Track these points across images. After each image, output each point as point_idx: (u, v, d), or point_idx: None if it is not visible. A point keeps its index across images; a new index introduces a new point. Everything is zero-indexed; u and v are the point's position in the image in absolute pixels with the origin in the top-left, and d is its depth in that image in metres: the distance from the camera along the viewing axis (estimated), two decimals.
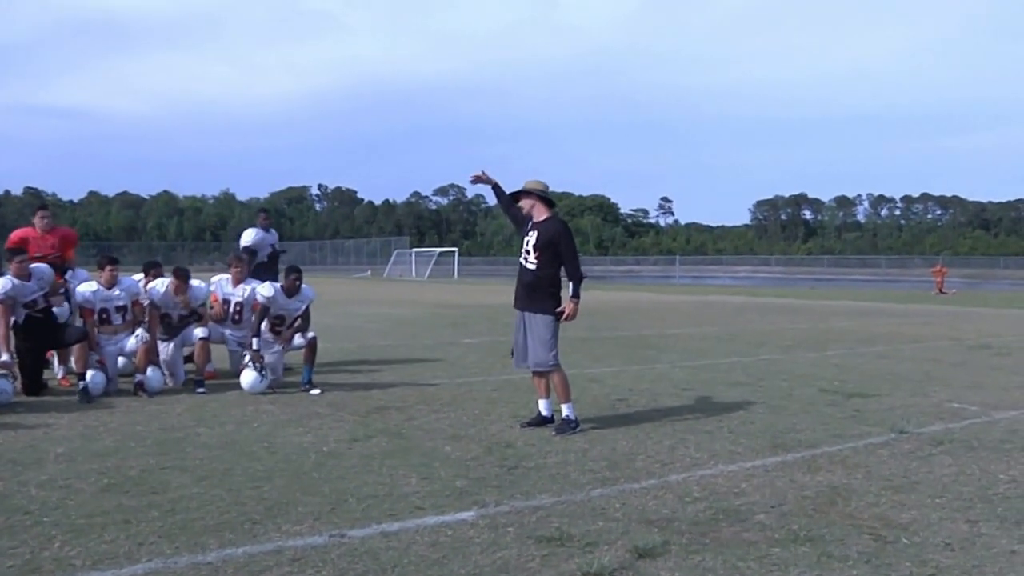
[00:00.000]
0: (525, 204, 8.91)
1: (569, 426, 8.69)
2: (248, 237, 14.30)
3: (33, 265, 10.83)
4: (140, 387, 10.78)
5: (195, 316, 11.69)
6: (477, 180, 9.22)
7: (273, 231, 14.75)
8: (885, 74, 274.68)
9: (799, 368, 14.00)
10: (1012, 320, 27.39)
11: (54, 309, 10.93)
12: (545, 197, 8.91)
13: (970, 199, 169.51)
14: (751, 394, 11.27)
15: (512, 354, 9.07)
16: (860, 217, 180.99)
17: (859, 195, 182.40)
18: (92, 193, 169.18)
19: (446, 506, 6.11)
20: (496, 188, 9.28)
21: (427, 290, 48.51)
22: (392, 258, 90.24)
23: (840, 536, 5.57)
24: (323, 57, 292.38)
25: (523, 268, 8.91)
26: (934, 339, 19.96)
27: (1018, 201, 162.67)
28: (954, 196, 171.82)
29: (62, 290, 11.24)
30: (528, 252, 8.81)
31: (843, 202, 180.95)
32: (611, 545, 5.31)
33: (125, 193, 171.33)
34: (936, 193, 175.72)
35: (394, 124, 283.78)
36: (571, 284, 8.81)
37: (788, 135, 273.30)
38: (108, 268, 11.10)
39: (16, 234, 11.88)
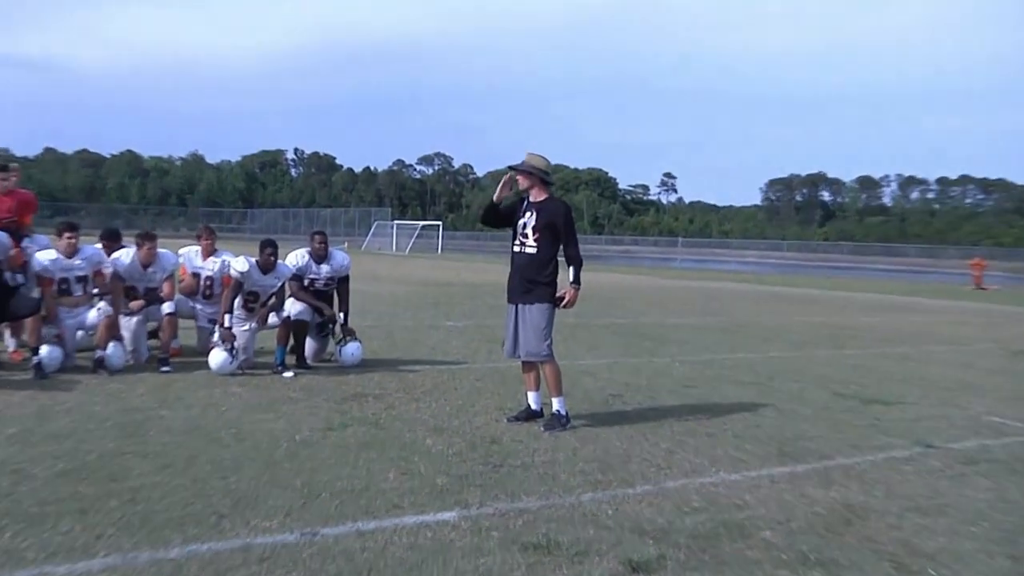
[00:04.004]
0: (524, 181, 8.89)
1: (559, 422, 8.73)
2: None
3: None
4: (100, 364, 10.77)
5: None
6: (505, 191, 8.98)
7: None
8: (918, 42, 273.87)
9: (812, 368, 14.00)
10: None
11: (6, 276, 10.86)
12: (543, 178, 8.88)
13: (1018, 183, 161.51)
14: (758, 395, 11.31)
15: (503, 343, 9.11)
16: (886, 200, 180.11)
17: (886, 176, 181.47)
18: (48, 150, 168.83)
19: (426, 505, 6.15)
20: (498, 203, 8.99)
21: (408, 265, 48.40)
22: (371, 230, 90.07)
23: (856, 561, 5.53)
24: (304, 11, 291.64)
25: (518, 254, 8.88)
26: (970, 341, 19.61)
27: None
28: (999, 179, 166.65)
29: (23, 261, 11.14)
30: (525, 235, 8.79)
31: (867, 183, 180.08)
32: (602, 556, 5.35)
33: (84, 151, 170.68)
34: (978, 175, 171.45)
35: (378, 86, 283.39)
36: (571, 268, 8.83)
37: (806, 108, 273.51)
38: (67, 235, 11.03)
39: None
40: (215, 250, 12.46)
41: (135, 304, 11.51)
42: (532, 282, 8.72)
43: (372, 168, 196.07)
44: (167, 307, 11.45)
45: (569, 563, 5.20)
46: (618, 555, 5.35)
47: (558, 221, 8.73)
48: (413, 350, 13.84)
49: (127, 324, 11.53)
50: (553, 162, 9.51)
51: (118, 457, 7.02)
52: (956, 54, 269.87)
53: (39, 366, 10.33)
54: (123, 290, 11.56)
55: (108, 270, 11.48)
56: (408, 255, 71.75)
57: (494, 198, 8.83)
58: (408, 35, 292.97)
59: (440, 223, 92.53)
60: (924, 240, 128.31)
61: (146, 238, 11.63)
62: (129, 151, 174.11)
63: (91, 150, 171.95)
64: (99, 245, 11.92)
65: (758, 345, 16.85)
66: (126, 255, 11.57)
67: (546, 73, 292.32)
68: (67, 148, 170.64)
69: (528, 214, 8.81)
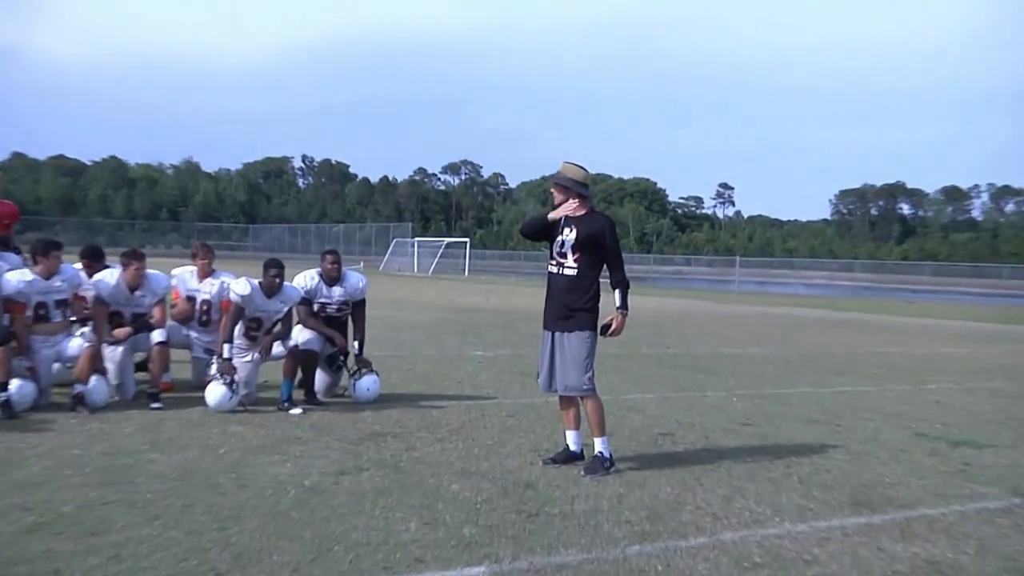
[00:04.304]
0: (559, 195, 8.88)
1: (602, 465, 8.72)
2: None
3: None
4: (80, 401, 10.69)
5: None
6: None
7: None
8: (1013, 33, 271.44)
9: (889, 404, 13.92)
10: None
11: None
12: (581, 191, 8.84)
13: None
14: (827, 435, 11.26)
15: (537, 375, 9.11)
16: (975, 213, 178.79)
17: (975, 186, 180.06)
18: (17, 155, 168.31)
19: (451, 559, 6.14)
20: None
21: (431, 288, 48.48)
22: (390, 248, 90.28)
23: None
24: (314, 3, 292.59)
25: (556, 276, 8.88)
26: None
27: None
28: None
29: None
30: (564, 255, 8.78)
31: (953, 194, 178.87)
32: None
33: (61, 157, 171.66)
34: None
35: (397, 85, 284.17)
36: (616, 291, 8.82)
37: (882, 110, 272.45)
38: (52, 255, 10.94)
39: None
40: (212, 271, 12.51)
41: (120, 332, 11.43)
42: (572, 307, 8.70)
43: (391, 178, 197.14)
44: (157, 335, 11.38)
45: None
46: None
47: (601, 238, 8.72)
48: (437, 384, 13.86)
49: (111, 355, 11.46)
50: (594, 171, 9.52)
51: (100, 507, 7.00)
52: None
53: (7, 404, 10.22)
54: (107, 316, 11.49)
55: (89, 293, 11.46)
56: (431, 276, 71.87)
57: (549, 216, 8.87)
58: (432, 29, 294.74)
59: (467, 240, 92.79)
60: (1020, 259, 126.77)
61: (133, 257, 11.52)
62: (113, 157, 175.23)
63: (68, 156, 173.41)
64: (78, 265, 11.87)
65: (827, 378, 16.80)
66: (110, 276, 11.47)
67: (587, 72, 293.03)
68: (40, 153, 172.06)
69: (567, 230, 8.79)
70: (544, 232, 8.96)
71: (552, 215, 8.82)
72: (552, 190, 8.92)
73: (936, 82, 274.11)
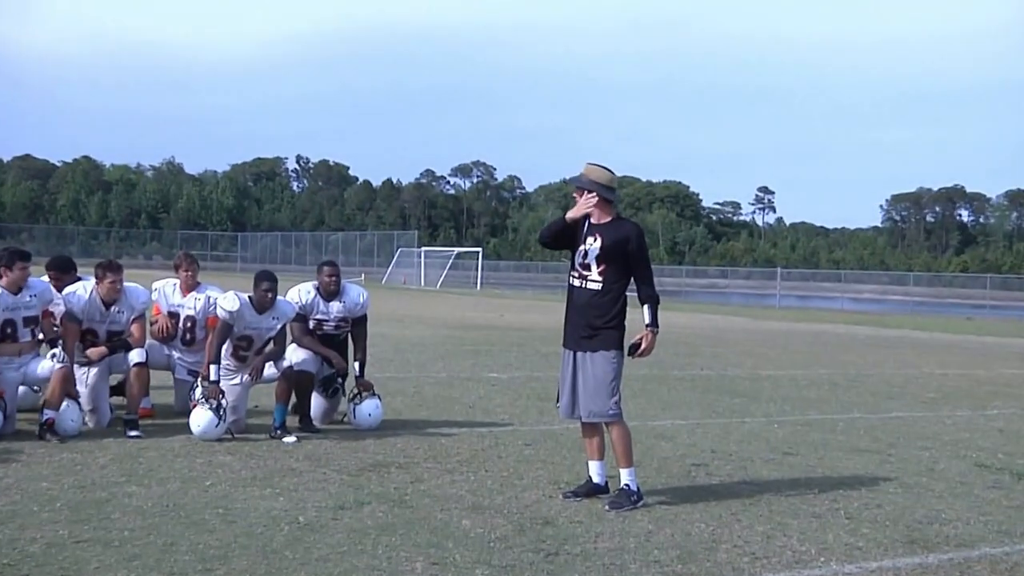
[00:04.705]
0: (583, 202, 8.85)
1: (629, 499, 8.70)
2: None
3: None
4: (49, 428, 10.62)
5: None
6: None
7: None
8: None
9: (947, 432, 13.89)
10: None
11: None
12: (606, 196, 8.83)
13: None
14: (878, 466, 11.25)
15: (558, 399, 9.11)
16: None
17: None
18: None
19: None
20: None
21: (440, 304, 48.54)
22: (394, 258, 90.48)
23: None
24: None
25: (578, 290, 8.88)
26: None
27: None
28: None
29: None
30: (587, 266, 8.77)
31: (1019, 199, 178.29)
32: None
33: (27, 157, 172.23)
34: None
35: (402, 80, 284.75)
36: (645, 307, 8.82)
37: (939, 106, 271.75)
38: (19, 266, 10.94)
39: None
40: (197, 284, 12.53)
41: (95, 352, 11.40)
42: (596, 325, 8.70)
43: (395, 181, 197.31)
44: (136, 356, 11.34)
45: None
46: None
47: (628, 248, 8.71)
48: (446, 409, 13.90)
49: (84, 378, 11.41)
50: (621, 174, 9.48)
51: (71, 547, 6.96)
52: None
53: None
54: (79, 335, 11.44)
55: (59, 309, 11.41)
56: (440, 290, 72.01)
57: (568, 216, 8.84)
58: (441, 16, 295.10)
59: (480, 250, 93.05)
60: None
61: (108, 269, 11.46)
62: (86, 158, 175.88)
63: (36, 156, 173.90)
64: (46, 278, 11.79)
65: (878, 403, 16.79)
66: (83, 290, 11.40)
67: (612, 63, 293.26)
68: (3, 153, 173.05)
69: (590, 239, 8.77)
70: (565, 239, 8.94)
71: (571, 214, 8.79)
72: (574, 195, 8.91)
73: (999, 77, 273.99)
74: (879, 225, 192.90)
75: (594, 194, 8.73)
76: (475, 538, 7.55)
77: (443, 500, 8.69)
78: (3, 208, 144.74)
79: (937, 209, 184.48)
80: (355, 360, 12.18)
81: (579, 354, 8.79)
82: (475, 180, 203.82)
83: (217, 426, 10.90)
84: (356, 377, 12.07)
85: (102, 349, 11.37)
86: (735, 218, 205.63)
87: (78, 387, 11.26)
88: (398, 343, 23.85)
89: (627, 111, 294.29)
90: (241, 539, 7.27)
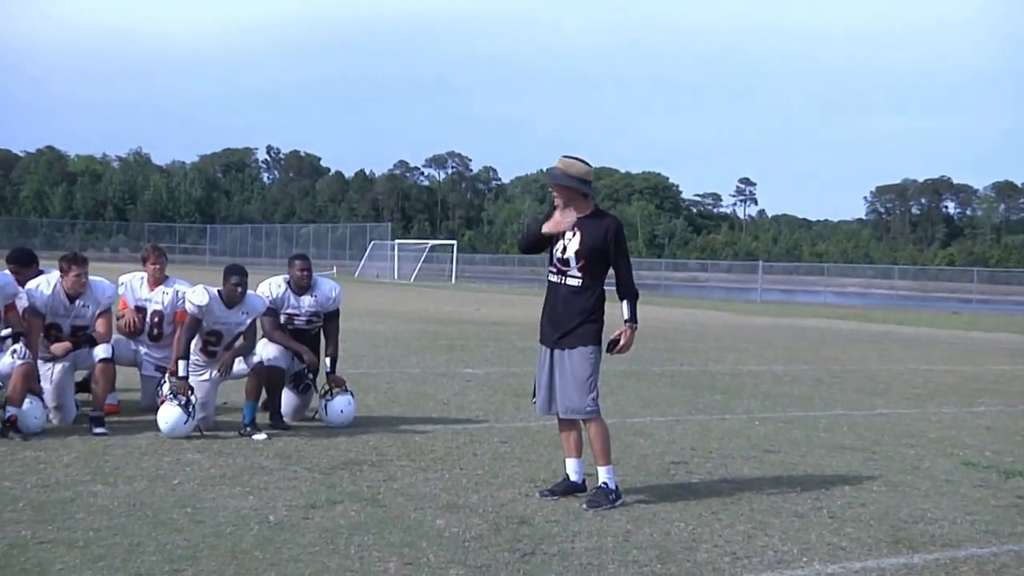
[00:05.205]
0: (559, 195, 8.86)
1: (607, 498, 8.72)
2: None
3: None
4: (11, 426, 10.58)
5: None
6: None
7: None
8: None
9: (933, 429, 13.92)
10: None
11: None
12: (583, 189, 8.81)
13: None
14: (862, 464, 11.28)
15: (534, 395, 9.13)
16: None
17: None
18: None
19: None
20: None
21: (414, 298, 48.48)
22: (367, 251, 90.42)
23: None
24: None
25: (557, 285, 8.87)
26: None
27: None
28: None
29: None
30: (565, 262, 8.75)
31: (1006, 190, 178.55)
32: None
33: None
34: None
35: (375, 69, 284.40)
36: (624, 302, 8.83)
37: (924, 96, 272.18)
38: None
39: None
40: (165, 277, 12.49)
41: (59, 348, 11.32)
42: (574, 320, 8.71)
43: (367, 172, 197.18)
44: (101, 351, 11.30)
45: None
46: None
47: (607, 242, 8.71)
48: (420, 406, 13.91)
49: (48, 374, 11.38)
50: (598, 165, 9.42)
51: (34, 548, 6.93)
52: None
53: None
54: (42, 329, 11.39)
55: (21, 303, 11.32)
56: (413, 284, 71.96)
57: (543, 230, 8.84)
58: (416, 7, 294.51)
59: (454, 243, 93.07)
60: None
61: (73, 262, 11.40)
62: (50, 148, 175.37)
63: None
64: (7, 271, 11.70)
65: (861, 399, 16.84)
66: (46, 284, 11.33)
67: (590, 52, 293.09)
68: None
69: (569, 235, 8.75)
70: (544, 243, 8.93)
71: (547, 229, 8.78)
72: (551, 191, 8.90)
73: (986, 66, 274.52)
74: (863, 217, 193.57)
75: (572, 218, 8.70)
76: (449, 537, 7.56)
77: (417, 499, 8.69)
78: None
79: (923, 201, 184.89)
80: (327, 355, 12.18)
81: (557, 350, 8.78)
82: (450, 171, 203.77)
83: (186, 423, 10.88)
84: (328, 373, 12.06)
85: (66, 344, 11.31)
86: (716, 210, 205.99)
87: (42, 383, 11.21)
88: (371, 338, 23.87)
89: (605, 101, 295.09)
90: (210, 539, 7.26)
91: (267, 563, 6.74)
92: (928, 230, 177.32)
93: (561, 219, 8.70)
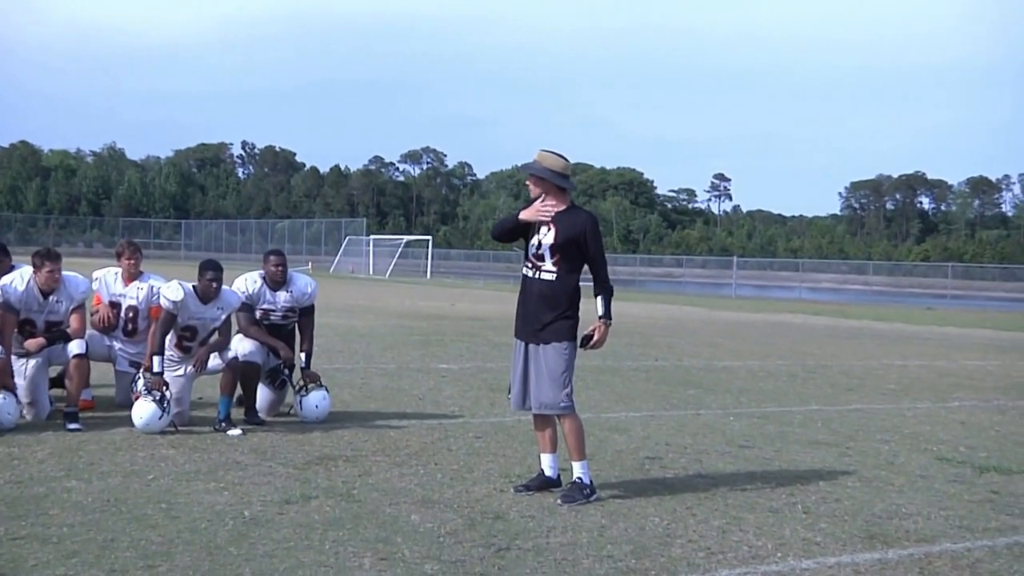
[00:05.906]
0: (535, 189, 8.87)
1: (582, 493, 8.72)
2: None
3: None
4: None
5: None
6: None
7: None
8: None
9: (908, 425, 13.95)
10: None
11: None
12: (560, 183, 8.82)
13: None
14: (837, 459, 11.31)
15: (509, 391, 9.13)
16: (1006, 208, 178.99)
17: (1006, 176, 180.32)
18: None
19: None
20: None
21: (389, 293, 48.43)
22: (342, 247, 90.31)
23: None
24: None
25: (531, 280, 8.86)
26: None
27: None
28: None
29: None
30: (541, 257, 8.75)
31: (980, 185, 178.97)
32: None
33: None
34: None
35: (350, 65, 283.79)
36: (598, 298, 8.83)
37: (898, 92, 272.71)
38: None
39: None
40: (140, 273, 12.45)
41: (33, 343, 11.27)
42: (548, 316, 8.70)
43: (342, 168, 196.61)
44: (75, 347, 11.25)
45: None
46: None
47: (582, 237, 8.70)
48: (395, 401, 13.89)
49: (22, 369, 11.31)
50: (574, 160, 9.40)
51: (7, 544, 6.92)
52: None
53: None
54: (16, 325, 11.32)
55: None
56: (388, 279, 71.85)
57: (521, 217, 8.84)
58: (391, 4, 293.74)
59: (430, 238, 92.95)
60: None
61: (47, 257, 11.35)
62: (23, 143, 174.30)
63: None
64: None
65: (836, 395, 16.88)
66: (19, 279, 11.28)
67: (565, 48, 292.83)
68: None
69: (544, 229, 8.75)
70: (518, 232, 8.93)
71: (525, 216, 8.79)
72: (528, 183, 8.90)
73: (960, 60, 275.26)
74: (838, 213, 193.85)
75: (551, 206, 8.72)
76: (424, 533, 7.55)
77: (392, 494, 8.69)
78: None
79: (897, 196, 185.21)
80: (301, 351, 12.16)
81: (531, 345, 8.78)
82: (425, 167, 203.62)
83: (160, 418, 10.83)
84: (303, 368, 12.04)
85: (40, 340, 11.26)
86: (690, 206, 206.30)
87: (16, 379, 11.13)
88: (346, 333, 23.83)
89: (580, 97, 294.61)
90: (184, 535, 7.24)
91: (242, 558, 6.73)
92: (903, 225, 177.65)
93: (541, 208, 8.71)
